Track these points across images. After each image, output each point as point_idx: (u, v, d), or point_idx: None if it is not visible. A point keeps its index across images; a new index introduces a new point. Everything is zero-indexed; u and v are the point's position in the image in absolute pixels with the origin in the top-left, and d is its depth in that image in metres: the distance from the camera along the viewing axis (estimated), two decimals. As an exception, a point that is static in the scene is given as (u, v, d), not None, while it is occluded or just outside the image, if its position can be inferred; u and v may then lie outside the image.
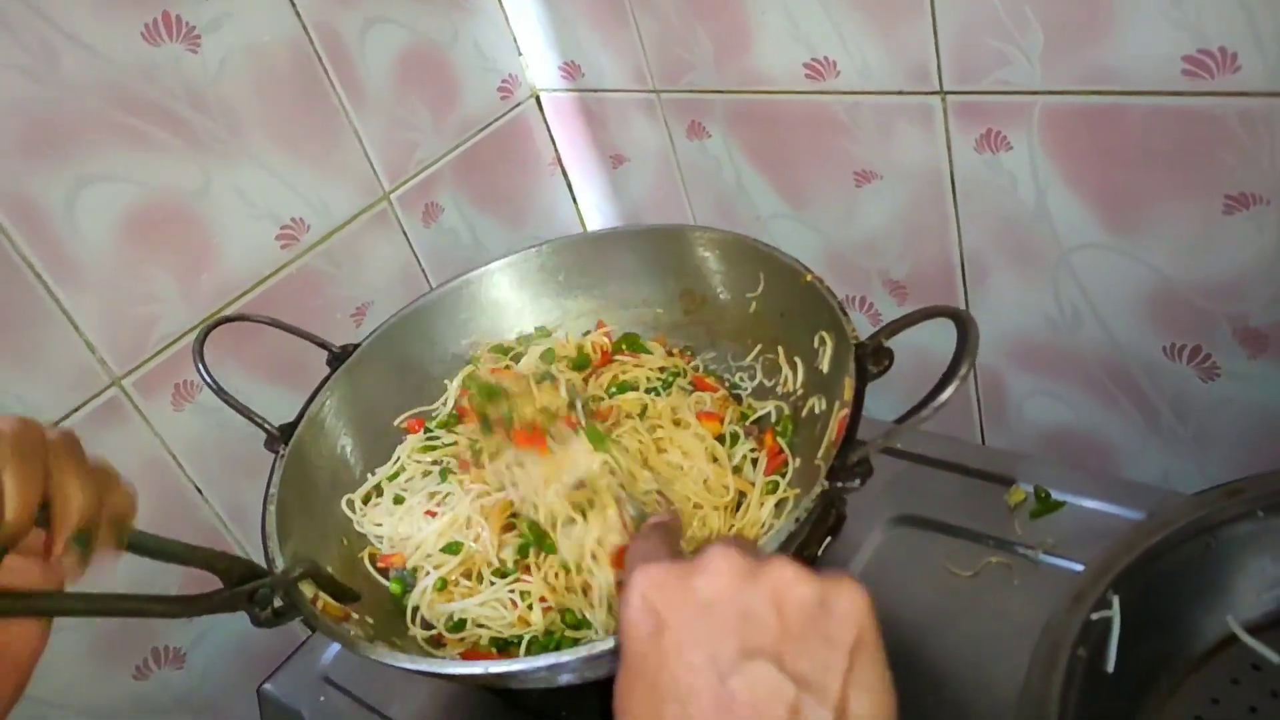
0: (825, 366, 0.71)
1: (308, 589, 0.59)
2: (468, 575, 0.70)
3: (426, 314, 0.85)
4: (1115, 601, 0.53)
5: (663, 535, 0.45)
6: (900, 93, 0.78)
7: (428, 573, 0.70)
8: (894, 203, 0.85)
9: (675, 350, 0.86)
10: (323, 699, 0.79)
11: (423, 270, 0.98)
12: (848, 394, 0.62)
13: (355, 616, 0.62)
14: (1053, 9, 0.67)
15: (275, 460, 0.71)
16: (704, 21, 0.86)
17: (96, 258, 0.75)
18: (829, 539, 0.77)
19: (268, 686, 0.83)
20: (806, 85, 0.83)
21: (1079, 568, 0.67)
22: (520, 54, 1.04)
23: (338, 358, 0.79)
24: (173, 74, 0.77)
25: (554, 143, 1.10)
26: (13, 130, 0.69)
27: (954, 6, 0.71)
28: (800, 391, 0.75)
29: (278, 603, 0.56)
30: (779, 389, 0.78)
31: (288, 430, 0.73)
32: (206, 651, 0.87)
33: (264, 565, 0.61)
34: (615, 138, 1.04)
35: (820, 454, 0.66)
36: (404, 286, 0.96)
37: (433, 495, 0.74)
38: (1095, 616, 0.53)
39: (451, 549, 0.71)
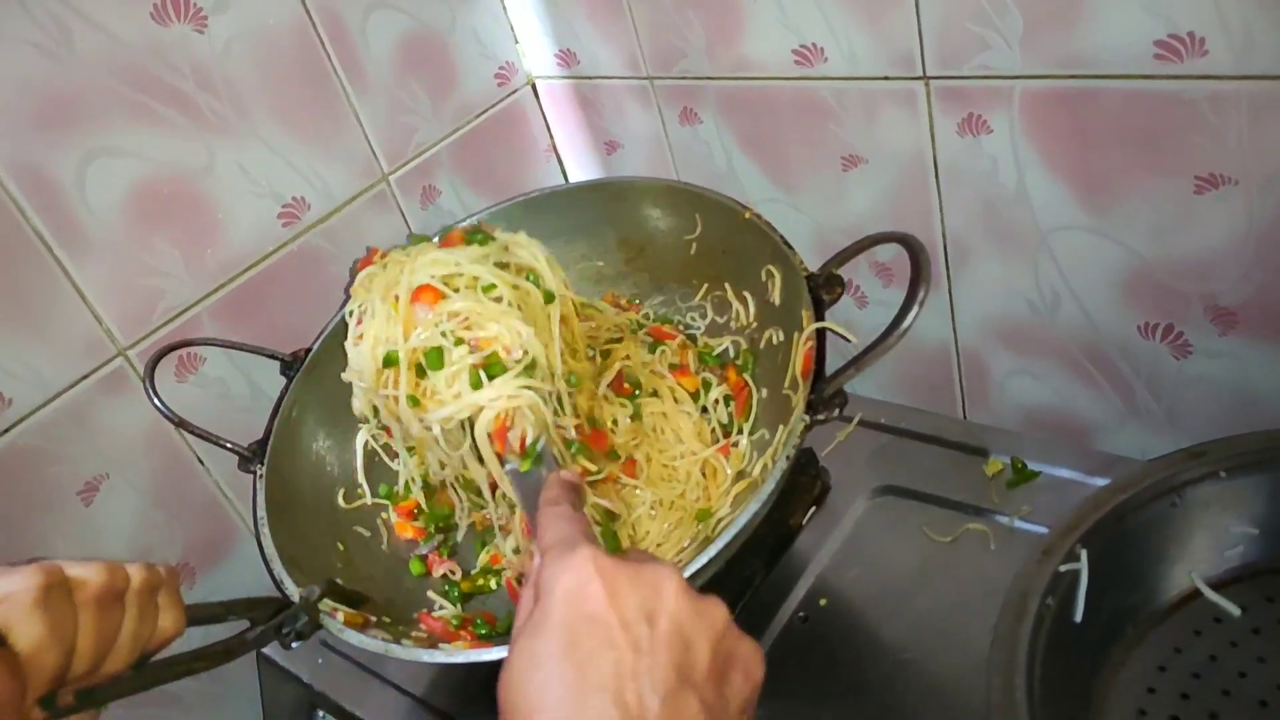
0: (776, 298, 0.73)
1: (325, 605, 0.61)
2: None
3: None
4: (1084, 555, 0.56)
5: (571, 497, 0.46)
6: (885, 78, 0.80)
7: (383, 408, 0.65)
8: (879, 186, 0.88)
9: (623, 301, 0.87)
10: (320, 661, 0.81)
11: None
12: (807, 325, 0.64)
13: (373, 619, 0.64)
14: (1031, -5, 0.70)
15: (255, 481, 0.71)
16: (696, 9, 0.88)
17: (105, 231, 0.77)
18: (814, 508, 0.80)
19: (267, 650, 0.85)
20: (795, 71, 0.86)
21: (1053, 533, 0.70)
22: (517, 42, 1.06)
23: (290, 366, 0.78)
24: (180, 53, 0.79)
25: (549, 129, 1.12)
26: (27, 105, 0.72)
27: (936, -7, 0.74)
28: (754, 324, 0.77)
29: (300, 627, 0.59)
30: (732, 324, 0.80)
31: (259, 449, 0.72)
32: (207, 620, 0.89)
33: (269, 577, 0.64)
34: (609, 124, 1.07)
35: (786, 384, 0.68)
36: (402, 267, 0.98)
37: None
38: (1064, 569, 0.55)
39: (389, 360, 0.62)
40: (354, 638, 0.58)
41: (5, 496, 0.75)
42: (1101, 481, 0.73)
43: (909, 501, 0.77)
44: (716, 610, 0.40)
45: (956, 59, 0.76)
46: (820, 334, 0.63)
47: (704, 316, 0.83)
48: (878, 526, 0.76)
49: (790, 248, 0.70)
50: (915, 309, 0.54)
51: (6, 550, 0.75)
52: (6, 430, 0.74)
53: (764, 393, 0.73)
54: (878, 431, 0.84)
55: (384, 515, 0.77)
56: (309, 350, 0.78)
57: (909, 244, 0.56)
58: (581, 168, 1.14)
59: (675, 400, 0.74)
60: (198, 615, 0.53)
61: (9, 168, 0.71)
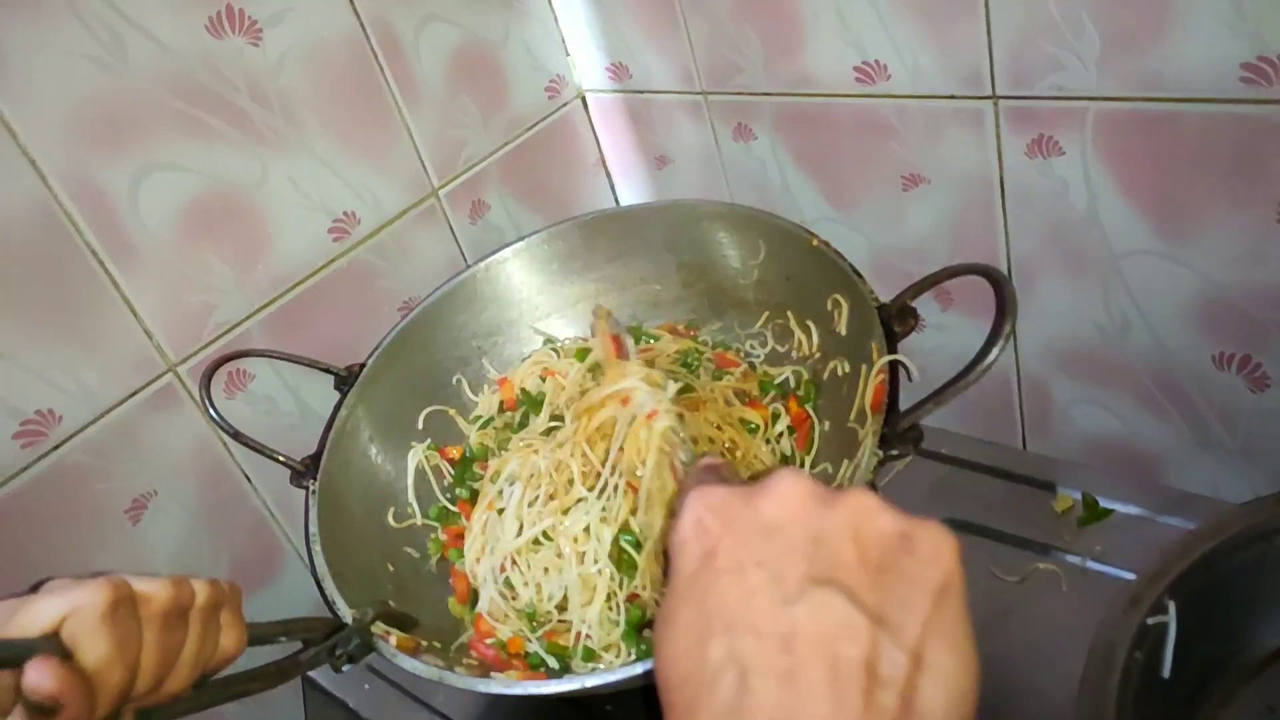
0: (843, 329, 0.71)
1: (377, 628, 0.60)
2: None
3: (428, 321, 0.82)
4: (1172, 608, 0.53)
5: (718, 473, 0.40)
6: (952, 97, 0.78)
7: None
8: (941, 207, 0.85)
9: (681, 327, 0.86)
10: (367, 688, 0.80)
11: (468, 266, 0.99)
12: (877, 357, 0.62)
13: (424, 644, 0.62)
14: (1110, 14, 0.67)
15: (307, 497, 0.69)
16: (755, 24, 0.86)
17: (157, 245, 0.76)
18: (873, 541, 0.77)
19: (314, 674, 0.84)
20: (856, 88, 0.83)
21: (1129, 576, 0.67)
22: (568, 54, 1.05)
23: (344, 380, 0.76)
24: (234, 66, 0.78)
25: (598, 143, 1.11)
26: (82, 118, 0.71)
27: (1009, 11, 0.71)
28: (818, 355, 0.75)
29: (352, 649, 0.58)
30: (794, 353, 0.77)
31: (312, 463, 0.70)
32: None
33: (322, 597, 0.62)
34: (660, 139, 1.05)
35: (852, 417, 0.66)
36: (449, 282, 0.97)
37: None
38: (1151, 621, 0.53)
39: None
40: (406, 663, 0.57)
41: (53, 514, 0.74)
42: (1177, 521, 0.71)
43: (973, 537, 0.74)
44: (856, 499, 0.33)
45: (1028, 79, 0.73)
46: (893, 367, 0.61)
47: (764, 345, 0.81)
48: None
49: (860, 276, 0.68)
50: (1000, 344, 0.52)
51: (54, 568, 0.74)
52: (56, 447, 0.73)
53: (826, 425, 0.71)
54: (937, 462, 0.82)
55: (434, 536, 0.75)
56: (363, 365, 0.77)
57: (992, 277, 0.54)
58: (630, 183, 1.13)
59: (749, 431, 0.73)
60: (255, 634, 0.52)
61: (63, 181, 0.71)
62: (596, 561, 0.63)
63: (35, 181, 0.69)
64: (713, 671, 0.30)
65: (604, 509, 0.64)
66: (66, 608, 0.40)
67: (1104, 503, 0.73)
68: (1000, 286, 0.53)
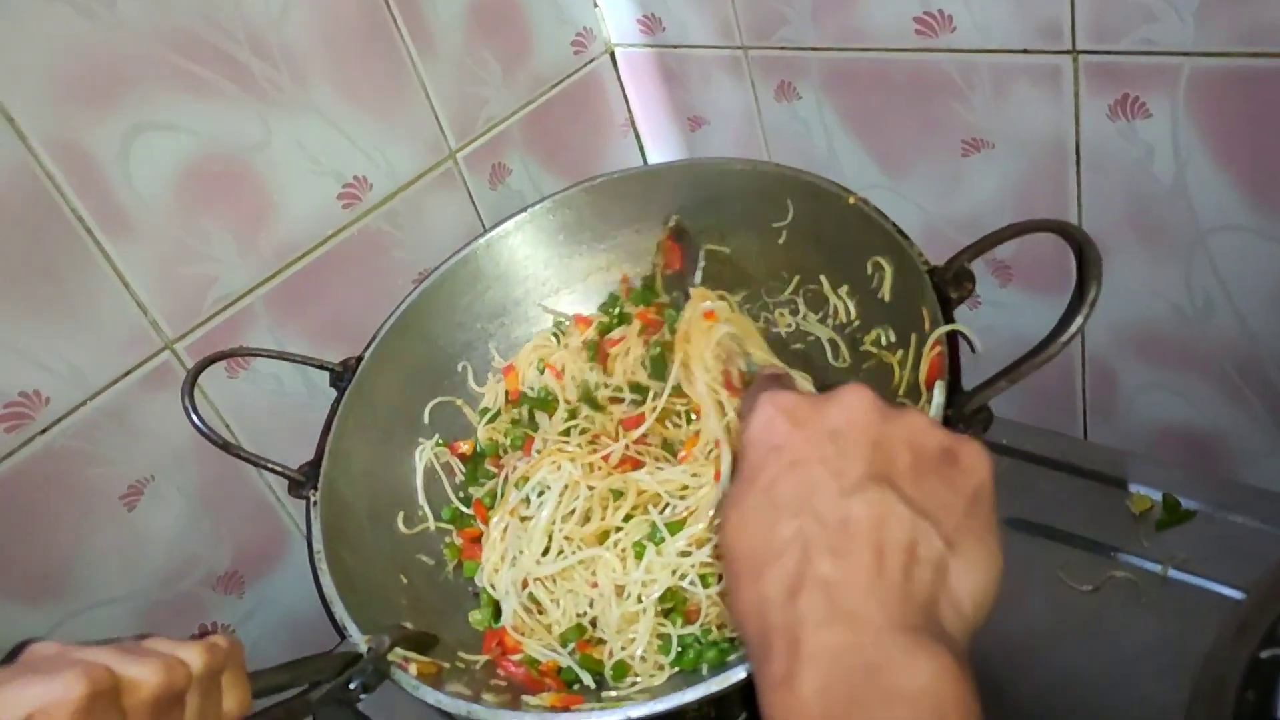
0: (887, 295, 0.63)
1: (394, 655, 0.54)
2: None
3: (427, 305, 0.74)
4: (1286, 637, 0.47)
5: (781, 383, 0.45)
6: (1025, 51, 0.70)
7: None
8: (1006, 174, 0.78)
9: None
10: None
11: (468, 243, 0.93)
12: (929, 325, 0.55)
13: (446, 667, 0.57)
14: (1214, -42, 0.59)
15: (308, 508, 0.62)
16: (803, -29, 0.79)
17: (150, 212, 0.70)
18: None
19: (321, 673, 0.79)
20: (915, 42, 0.76)
21: (1216, 588, 0.61)
22: (596, 5, 0.97)
23: (340, 376, 0.69)
24: (233, 15, 0.71)
25: (627, 102, 1.03)
26: (65, 72, 0.64)
27: (1095, -45, 0.63)
28: (857, 323, 0.68)
29: (368, 679, 0.53)
30: (829, 321, 0.70)
31: (311, 471, 0.64)
32: (254, 630, 0.83)
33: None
34: (695, 98, 0.97)
35: (902, 390, 0.59)
36: (468, 251, 0.91)
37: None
38: (1265, 655, 0.46)
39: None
40: (430, 696, 0.51)
41: (43, 502, 0.69)
42: (1268, 526, 0.64)
43: (1040, 540, 0.68)
44: (912, 417, 0.39)
45: (1114, 31, 0.66)
46: (952, 338, 0.54)
47: (795, 312, 0.74)
48: (1006, 567, 0.67)
49: (906, 237, 0.61)
50: (1085, 312, 0.45)
51: (46, 560, 0.70)
52: (44, 431, 0.68)
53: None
54: (997, 454, 0.75)
55: (448, 540, 0.69)
56: (360, 359, 0.70)
57: (1072, 235, 0.47)
58: (661, 145, 1.05)
59: None
60: (259, 687, 0.46)
61: (46, 144, 0.64)
62: (640, 601, 0.56)
63: (14, 143, 0.63)
64: (781, 545, 0.36)
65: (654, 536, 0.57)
66: (35, 703, 0.35)
67: (1186, 504, 0.67)
68: (1081, 247, 0.46)
